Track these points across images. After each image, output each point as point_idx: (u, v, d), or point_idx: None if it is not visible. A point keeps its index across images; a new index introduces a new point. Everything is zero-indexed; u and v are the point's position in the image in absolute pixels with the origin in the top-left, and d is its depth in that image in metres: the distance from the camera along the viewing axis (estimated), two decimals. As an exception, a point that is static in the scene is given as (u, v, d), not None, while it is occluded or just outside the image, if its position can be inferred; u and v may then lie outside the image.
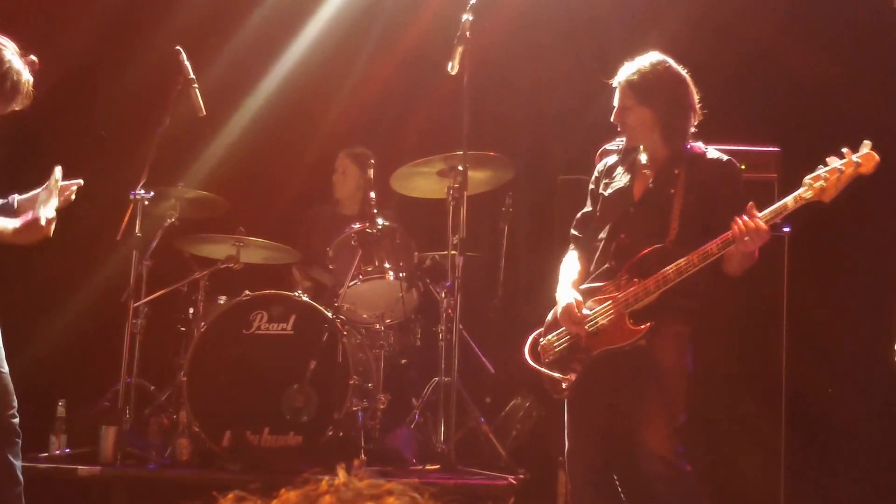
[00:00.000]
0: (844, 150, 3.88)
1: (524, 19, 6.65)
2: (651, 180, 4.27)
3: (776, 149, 5.23)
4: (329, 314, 5.67)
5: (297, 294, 5.79)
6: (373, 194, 6.06)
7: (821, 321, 5.49)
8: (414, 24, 6.91)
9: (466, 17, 5.41)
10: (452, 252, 5.53)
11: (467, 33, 5.39)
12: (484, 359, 6.29)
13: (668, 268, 4.03)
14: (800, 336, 5.12)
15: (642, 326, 4.06)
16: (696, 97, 4.27)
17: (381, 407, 5.71)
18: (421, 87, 6.92)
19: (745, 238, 3.90)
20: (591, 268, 4.34)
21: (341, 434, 5.52)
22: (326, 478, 1.68)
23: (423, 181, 6.15)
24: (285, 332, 5.68)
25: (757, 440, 5.03)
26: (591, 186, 4.50)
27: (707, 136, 4.37)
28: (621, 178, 4.36)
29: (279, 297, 5.78)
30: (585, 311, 4.19)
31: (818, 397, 5.48)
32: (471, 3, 5.41)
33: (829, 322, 5.54)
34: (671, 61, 4.27)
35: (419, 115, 7.01)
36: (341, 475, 1.67)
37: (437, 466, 5.42)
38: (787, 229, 5.01)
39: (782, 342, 5.04)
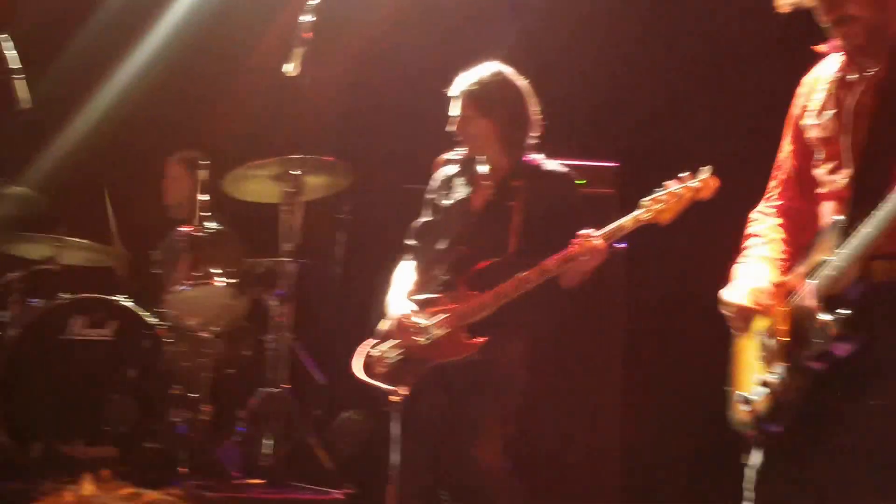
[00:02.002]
0: (683, 174, 3.90)
1: (374, 22, 6.53)
2: (491, 192, 4.24)
3: (615, 164, 5.25)
4: (151, 320, 5.51)
5: (118, 298, 5.60)
6: (204, 197, 5.86)
7: (658, 334, 5.59)
8: (254, 25, 6.72)
9: (305, 17, 5.31)
10: (285, 258, 5.42)
11: (305, 34, 5.29)
12: (314, 370, 6.14)
13: (507, 282, 4.01)
14: (637, 347, 5.22)
15: (477, 340, 4.02)
16: (536, 109, 4.26)
17: (205, 418, 5.52)
18: (261, 88, 6.73)
19: (584, 257, 3.93)
20: (428, 278, 4.27)
21: (160, 446, 5.36)
22: (72, 487, 1.48)
23: (257, 185, 5.94)
24: (104, 338, 5.54)
25: (592, 448, 5.11)
26: (428, 196, 4.44)
27: (547, 149, 4.35)
28: (461, 190, 4.33)
29: (98, 300, 5.61)
30: (419, 320, 4.09)
31: (653, 403, 5.53)
32: (311, 3, 5.31)
33: (667, 333, 5.64)
34: (511, 72, 4.26)
35: (257, 118, 6.82)
36: (87, 487, 1.47)
37: (263, 481, 5.29)
38: (623, 245, 5.02)
39: (619, 355, 5.12)
